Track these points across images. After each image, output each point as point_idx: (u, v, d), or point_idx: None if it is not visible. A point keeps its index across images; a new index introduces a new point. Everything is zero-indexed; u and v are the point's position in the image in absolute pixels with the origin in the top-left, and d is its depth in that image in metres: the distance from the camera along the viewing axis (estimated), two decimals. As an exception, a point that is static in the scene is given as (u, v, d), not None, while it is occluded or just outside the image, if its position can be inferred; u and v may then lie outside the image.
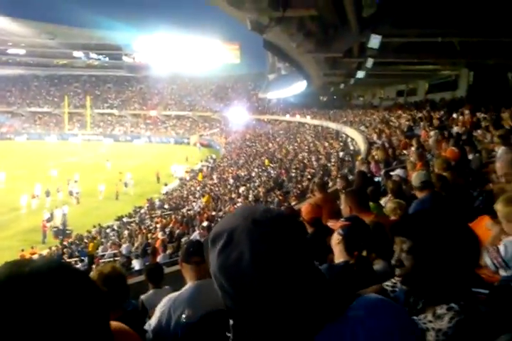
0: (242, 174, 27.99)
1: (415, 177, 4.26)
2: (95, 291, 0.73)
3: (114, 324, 1.75)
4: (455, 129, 11.76)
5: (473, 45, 17.55)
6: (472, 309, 1.30)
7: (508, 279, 2.38)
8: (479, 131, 9.78)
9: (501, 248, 2.40)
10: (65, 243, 19.46)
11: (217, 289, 0.83)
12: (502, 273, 2.40)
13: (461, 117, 13.72)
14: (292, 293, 0.78)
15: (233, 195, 21.53)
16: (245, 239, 0.79)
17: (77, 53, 76.94)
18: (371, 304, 0.87)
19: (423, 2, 11.73)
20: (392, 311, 0.88)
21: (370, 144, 17.10)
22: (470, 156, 6.86)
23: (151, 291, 4.41)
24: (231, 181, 26.36)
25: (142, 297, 4.29)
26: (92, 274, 2.69)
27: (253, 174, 26.81)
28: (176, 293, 2.86)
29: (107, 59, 78.03)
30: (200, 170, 35.43)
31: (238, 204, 18.31)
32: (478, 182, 5.59)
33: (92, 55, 77.47)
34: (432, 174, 4.77)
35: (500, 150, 6.00)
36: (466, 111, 13.84)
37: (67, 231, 21.20)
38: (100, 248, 17.27)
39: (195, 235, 13.92)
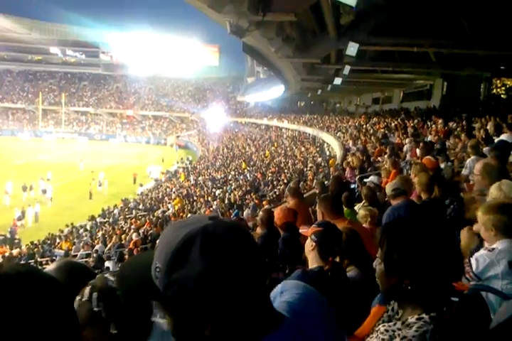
0: (219, 176, 27.91)
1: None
2: (63, 296, 0.71)
3: None
4: (428, 138, 12.00)
5: (447, 56, 18.00)
6: (442, 321, 1.32)
7: (477, 288, 2.44)
8: (451, 141, 10.01)
9: (473, 261, 2.45)
10: (35, 242, 19.01)
11: (200, 297, 0.80)
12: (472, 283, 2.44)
13: (434, 126, 14.03)
14: (236, 303, 0.80)
15: (209, 198, 21.45)
16: (222, 231, 0.81)
17: (53, 49, 75.37)
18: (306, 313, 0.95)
19: (400, 12, 11.95)
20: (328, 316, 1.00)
21: (346, 150, 17.30)
22: (442, 165, 7.00)
23: None
24: (208, 183, 26.25)
25: None
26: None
27: (229, 177, 26.77)
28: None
29: (83, 56, 76.66)
30: (177, 171, 35.18)
31: (214, 207, 18.26)
32: (451, 190, 5.72)
33: (69, 51, 75.97)
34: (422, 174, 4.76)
35: (470, 160, 6.13)
36: (440, 121, 14.16)
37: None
38: (73, 248, 16.95)
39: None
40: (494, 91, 21.06)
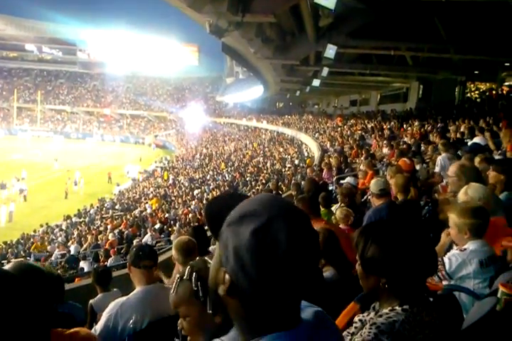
0: (197, 176, 27.79)
1: (374, 184, 4.28)
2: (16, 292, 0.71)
3: (83, 332, 1.68)
4: (404, 140, 12.20)
5: (423, 60, 18.35)
6: (414, 313, 1.35)
7: (450, 288, 2.49)
8: (427, 143, 10.18)
9: (446, 260, 2.49)
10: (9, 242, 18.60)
11: (230, 268, 0.82)
12: (445, 282, 2.49)
13: (410, 129, 14.26)
14: (306, 285, 0.83)
15: (187, 198, 21.33)
16: (284, 226, 0.81)
17: (29, 46, 73.86)
18: (318, 315, 0.95)
19: (378, 16, 12.13)
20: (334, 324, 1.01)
21: (324, 151, 17.44)
22: (418, 167, 7.13)
23: (99, 295, 4.28)
24: (185, 183, 26.10)
25: (91, 301, 4.16)
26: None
27: (208, 177, 26.68)
28: (124, 298, 2.77)
29: (60, 54, 75.31)
30: (155, 171, 34.87)
31: (192, 207, 18.17)
32: (425, 192, 5.83)
33: (45, 48, 74.52)
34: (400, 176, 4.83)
35: (441, 158, 6.23)
36: (415, 123, 14.40)
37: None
38: (48, 248, 16.65)
39: (147, 238, 13.64)
40: (468, 95, 21.53)
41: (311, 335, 0.88)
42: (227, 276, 0.83)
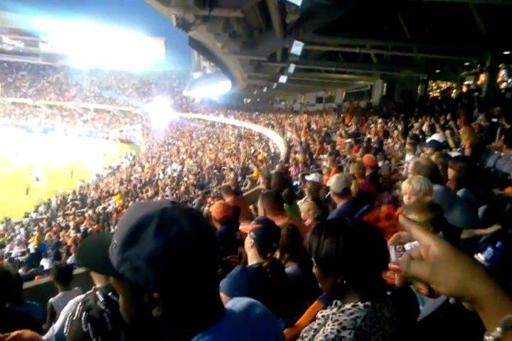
0: (165, 171, 27.50)
1: (336, 183, 4.22)
2: None
3: (26, 335, 1.62)
4: (368, 137, 12.41)
5: (387, 58, 18.73)
6: (375, 309, 1.38)
7: (408, 282, 2.55)
8: (389, 140, 10.40)
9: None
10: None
11: (154, 284, 0.80)
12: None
13: (373, 126, 14.51)
14: (183, 287, 0.82)
15: (150, 193, 21.06)
16: (179, 215, 0.83)
17: (-13, 37, 70.98)
18: (249, 305, 0.98)
19: (344, 14, 12.26)
20: (270, 316, 1.02)
21: (290, 147, 17.55)
22: (380, 163, 7.27)
23: (60, 293, 4.18)
24: (151, 179, 25.77)
25: (51, 300, 4.06)
26: None
27: (175, 174, 26.41)
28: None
29: (22, 45, 72.58)
30: (119, 167, 34.25)
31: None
32: (387, 188, 5.96)
33: (6, 39, 71.63)
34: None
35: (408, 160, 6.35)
36: (379, 121, 14.67)
37: None
38: (7, 246, 16.14)
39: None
40: (431, 93, 22.10)
41: (239, 327, 0.89)
42: (155, 295, 0.81)
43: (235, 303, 0.98)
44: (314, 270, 1.48)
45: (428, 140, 7.55)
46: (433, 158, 4.57)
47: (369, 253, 1.39)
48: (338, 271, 1.41)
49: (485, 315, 0.59)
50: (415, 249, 0.67)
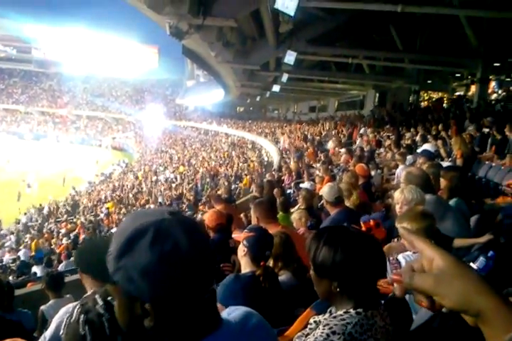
0: (160, 178, 27.44)
1: (328, 192, 4.23)
2: None
3: None
4: (360, 146, 12.46)
5: (379, 69, 18.93)
6: (367, 317, 1.38)
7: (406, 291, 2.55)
8: (381, 149, 10.46)
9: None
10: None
11: (146, 295, 0.80)
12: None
13: (365, 136, 14.59)
14: (178, 299, 0.81)
15: (143, 201, 20.96)
16: (176, 227, 0.82)
17: (-20, 43, 70.60)
18: (245, 315, 0.98)
19: (337, 24, 12.40)
20: (266, 326, 1.02)
21: (282, 156, 17.58)
22: (372, 172, 7.31)
23: (51, 301, 4.14)
24: (143, 186, 25.67)
25: (42, 307, 4.01)
26: None
27: (163, 179, 26.37)
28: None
29: (14, 51, 72.29)
30: (112, 174, 34.04)
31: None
32: (379, 197, 5.99)
33: (-2, 46, 71.46)
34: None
35: (399, 169, 6.38)
36: (370, 130, 14.76)
37: None
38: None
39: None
40: (422, 103, 22.32)
41: (236, 337, 0.89)
42: (147, 306, 0.81)
43: (230, 312, 0.97)
44: (311, 272, 1.49)
45: (420, 149, 7.60)
46: (425, 167, 4.60)
47: (366, 263, 1.41)
48: (332, 277, 1.42)
49: (489, 330, 0.59)
50: (417, 260, 0.67)
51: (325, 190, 4.30)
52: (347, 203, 4.53)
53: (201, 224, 2.72)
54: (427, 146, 7.57)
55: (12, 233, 19.33)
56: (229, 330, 0.89)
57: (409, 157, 7.08)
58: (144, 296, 0.80)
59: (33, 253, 14.10)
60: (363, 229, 3.28)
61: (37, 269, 11.44)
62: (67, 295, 4.22)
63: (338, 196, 4.23)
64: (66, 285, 4.41)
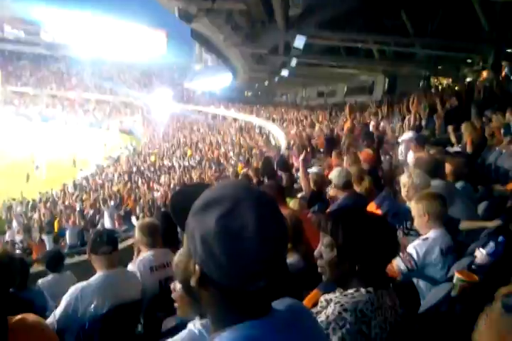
0: (165, 163, 27.53)
1: (338, 176, 4.22)
2: None
3: (30, 318, 1.62)
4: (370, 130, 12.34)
5: (389, 54, 18.66)
6: (377, 296, 1.40)
7: (409, 274, 2.57)
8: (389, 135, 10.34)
9: (412, 251, 2.57)
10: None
11: (199, 258, 0.82)
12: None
13: (373, 121, 14.42)
14: (278, 270, 0.83)
15: (154, 184, 21.11)
16: (251, 210, 0.81)
17: (-12, 25, 70.31)
18: (295, 308, 0.98)
19: (347, 8, 12.20)
20: (312, 316, 1.03)
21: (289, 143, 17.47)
22: (382, 158, 7.27)
23: (50, 276, 4.19)
24: (152, 169, 25.85)
25: (39, 281, 4.05)
26: None
27: (176, 164, 26.45)
28: (84, 282, 2.75)
29: (22, 34, 71.99)
30: (120, 157, 34.17)
31: (159, 193, 18.00)
32: (387, 183, 5.95)
33: (7, 28, 71.04)
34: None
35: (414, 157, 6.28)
36: (380, 116, 14.60)
37: None
38: (8, 233, 16.27)
39: (107, 222, 13.46)
40: (433, 90, 22.01)
41: (284, 325, 0.88)
42: (197, 267, 0.83)
43: (277, 303, 0.96)
44: (329, 254, 1.49)
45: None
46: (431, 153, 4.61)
47: (385, 245, 1.46)
48: (355, 259, 1.44)
49: None
50: None
51: (334, 174, 4.30)
52: (357, 188, 4.52)
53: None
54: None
55: (20, 215, 19.55)
56: (278, 318, 0.88)
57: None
58: (196, 256, 0.83)
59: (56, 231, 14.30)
60: None
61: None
62: (67, 272, 4.27)
63: (346, 180, 4.23)
64: (72, 266, 4.46)
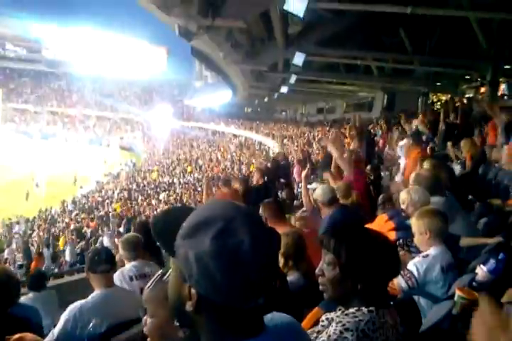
0: (165, 180, 27.49)
1: (322, 194, 4.20)
2: None
3: (28, 338, 1.60)
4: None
5: (388, 71, 18.84)
6: (379, 316, 1.38)
7: (410, 292, 2.55)
8: (390, 151, 10.38)
9: (413, 268, 2.55)
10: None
11: (194, 280, 0.81)
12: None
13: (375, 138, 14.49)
14: (271, 287, 0.83)
15: (153, 201, 21.05)
16: (244, 227, 0.81)
17: (-9, 43, 71.20)
18: (288, 323, 0.98)
19: (346, 26, 12.36)
20: (302, 331, 1.05)
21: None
22: (382, 173, 7.29)
23: (30, 294, 4.23)
24: (152, 186, 25.80)
25: (22, 298, 4.02)
26: None
27: (175, 180, 26.44)
28: (83, 301, 2.73)
29: (24, 52, 72.83)
30: (120, 174, 34.17)
31: (159, 210, 17.96)
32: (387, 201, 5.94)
33: (9, 46, 71.97)
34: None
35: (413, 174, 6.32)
36: (380, 132, 14.67)
37: None
38: (6, 250, 16.15)
39: (106, 241, 13.39)
40: (432, 106, 22.13)
41: None
42: (193, 291, 0.83)
43: (270, 319, 0.96)
44: (331, 272, 1.48)
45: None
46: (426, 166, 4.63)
47: (387, 264, 1.45)
48: (358, 277, 1.42)
49: None
50: None
51: (318, 193, 4.27)
52: (345, 202, 4.54)
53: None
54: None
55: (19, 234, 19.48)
56: (273, 336, 0.89)
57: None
58: (192, 280, 0.82)
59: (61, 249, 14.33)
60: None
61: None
62: (50, 291, 4.30)
63: (332, 196, 4.22)
64: (72, 284, 4.47)
